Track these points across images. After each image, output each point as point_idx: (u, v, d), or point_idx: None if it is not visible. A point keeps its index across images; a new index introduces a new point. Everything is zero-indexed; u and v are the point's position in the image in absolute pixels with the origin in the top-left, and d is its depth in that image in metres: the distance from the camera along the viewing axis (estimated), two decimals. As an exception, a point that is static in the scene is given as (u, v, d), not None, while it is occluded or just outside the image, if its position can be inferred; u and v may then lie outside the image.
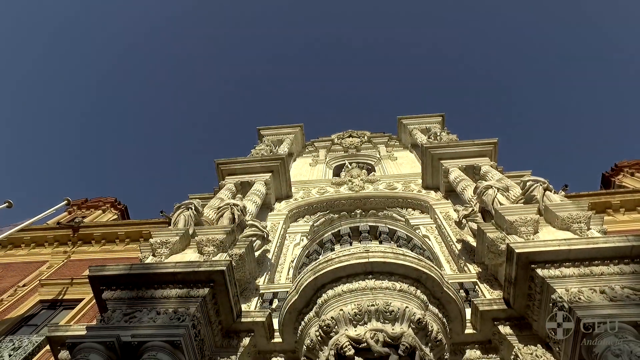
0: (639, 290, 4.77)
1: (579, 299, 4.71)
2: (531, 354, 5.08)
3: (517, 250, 5.31)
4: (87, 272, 5.97)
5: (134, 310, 5.37)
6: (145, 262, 6.73)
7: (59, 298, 10.46)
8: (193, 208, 8.08)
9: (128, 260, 10.82)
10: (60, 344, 5.51)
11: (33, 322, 9.87)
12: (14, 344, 8.28)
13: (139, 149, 70.02)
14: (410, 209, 11.04)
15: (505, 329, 5.43)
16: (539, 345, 5.18)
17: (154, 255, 6.89)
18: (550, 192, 7.30)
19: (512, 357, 5.20)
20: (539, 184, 7.35)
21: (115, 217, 19.84)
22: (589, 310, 4.50)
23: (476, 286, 6.78)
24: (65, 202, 13.83)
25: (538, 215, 6.69)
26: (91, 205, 20.44)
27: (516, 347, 5.19)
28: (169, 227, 7.72)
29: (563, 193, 7.72)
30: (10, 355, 7.95)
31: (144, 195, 67.28)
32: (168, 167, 70.66)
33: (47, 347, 7.33)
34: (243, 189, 11.29)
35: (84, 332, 5.08)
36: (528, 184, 7.47)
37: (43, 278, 11.38)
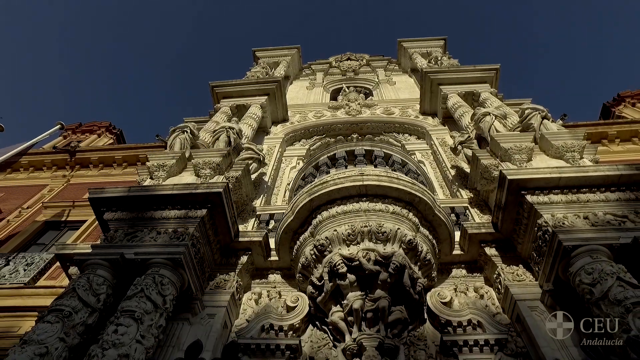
0: (620, 216, 4.95)
1: (563, 224, 4.89)
2: (512, 273, 5.38)
3: (509, 177, 5.40)
4: (87, 195, 6.09)
5: (135, 230, 5.56)
6: (143, 184, 6.84)
7: (63, 219, 10.81)
8: (189, 131, 8.02)
9: (126, 183, 11.01)
10: (68, 261, 5.77)
11: (41, 242, 10.32)
12: (26, 260, 8.73)
13: (132, 72, 67.67)
14: (406, 135, 11.02)
15: (490, 251, 5.69)
16: (520, 265, 5.47)
17: (151, 178, 6.98)
18: (548, 120, 7.23)
19: (495, 275, 5.51)
20: (537, 112, 7.26)
21: (111, 141, 19.75)
22: (570, 234, 4.69)
23: (467, 211, 7.00)
24: (58, 126, 13.65)
25: (533, 144, 6.71)
26: (86, 130, 20.23)
27: (499, 266, 5.48)
28: (165, 151, 7.72)
29: (561, 122, 7.67)
30: (25, 270, 8.42)
31: (138, 120, 66.45)
32: (162, 91, 68.92)
33: (57, 263, 7.73)
34: (239, 112, 11.14)
35: (89, 250, 5.31)
36: (526, 112, 7.38)
37: (45, 201, 11.64)
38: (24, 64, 59.38)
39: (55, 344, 4.01)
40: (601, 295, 4.03)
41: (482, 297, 5.49)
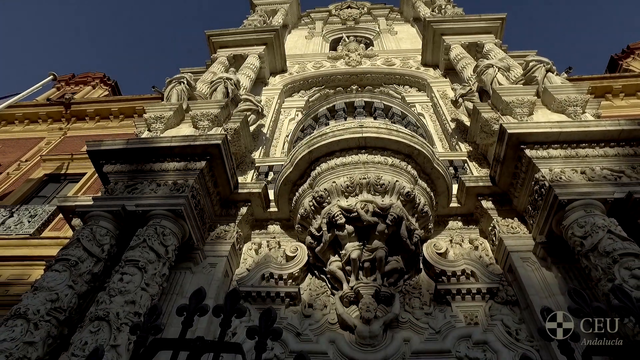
0: (617, 171, 4.98)
1: (560, 178, 4.93)
2: (507, 225, 5.49)
3: (509, 131, 5.37)
4: (85, 148, 6.07)
5: (135, 182, 5.60)
6: (141, 137, 6.81)
7: (63, 172, 10.83)
8: (185, 82, 7.86)
9: (124, 136, 10.92)
10: (71, 213, 5.86)
11: (42, 194, 10.39)
12: (30, 212, 8.84)
13: (126, 21, 64.98)
14: (407, 86, 10.82)
15: (487, 204, 5.78)
16: (515, 218, 5.57)
17: (149, 130, 6.93)
18: (553, 74, 7.07)
19: (490, 228, 5.63)
20: (541, 65, 7.08)
21: (107, 93, 19.35)
22: (566, 189, 4.75)
23: (465, 164, 7.02)
24: (51, 77, 13.31)
25: (535, 97, 6.61)
26: (79, 81, 19.77)
27: (495, 219, 5.59)
28: (162, 102, 7.61)
29: (565, 75, 7.51)
30: (29, 222, 8.56)
31: (133, 72, 64.79)
32: (157, 41, 66.59)
33: (60, 215, 7.85)
34: (236, 62, 10.86)
35: (91, 203, 5.38)
36: (531, 64, 7.19)
37: (44, 154, 11.61)
38: (12, 13, 56.91)
39: (65, 291, 4.19)
40: (591, 247, 4.15)
41: (476, 248, 5.65)
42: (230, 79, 8.16)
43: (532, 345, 4.45)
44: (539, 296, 4.60)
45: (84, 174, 10.42)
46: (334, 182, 5.45)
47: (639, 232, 4.52)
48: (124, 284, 4.22)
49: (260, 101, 8.51)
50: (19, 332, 3.74)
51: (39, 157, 11.43)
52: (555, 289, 4.60)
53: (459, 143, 7.61)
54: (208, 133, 6.50)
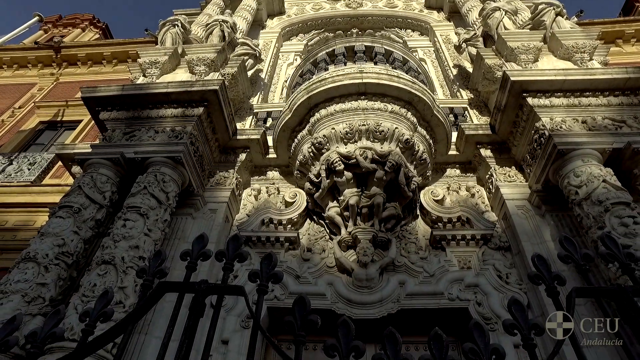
0: (618, 121, 4.94)
1: (560, 127, 4.89)
2: (505, 174, 5.55)
3: (512, 78, 5.25)
4: (80, 95, 5.95)
5: (132, 129, 5.56)
6: (137, 82, 6.65)
7: (58, 119, 10.68)
8: (179, 25, 7.54)
9: (118, 81, 10.64)
10: (70, 160, 5.87)
11: (40, 142, 10.31)
12: (29, 160, 8.84)
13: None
14: (409, 30, 10.41)
15: (486, 152, 5.78)
16: (513, 167, 5.61)
17: (144, 76, 6.77)
18: (563, 17, 6.77)
19: (487, 176, 5.68)
20: (551, 8, 6.75)
21: (97, 37, 18.58)
22: (565, 138, 4.73)
23: (466, 112, 6.94)
24: (36, 17, 12.74)
25: (542, 43, 6.38)
26: (68, 23, 18.89)
27: (493, 167, 5.63)
28: (157, 47, 7.35)
29: (576, 19, 7.20)
30: (29, 169, 8.58)
31: (123, 14, 61.77)
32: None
33: (60, 163, 7.86)
34: (232, 3, 10.32)
35: (89, 150, 5.37)
36: (540, 7, 6.85)
37: (37, 100, 11.37)
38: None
39: (70, 237, 4.32)
40: (585, 196, 4.22)
41: (473, 195, 5.74)
42: (227, 22, 7.85)
43: (521, 288, 4.65)
44: (530, 242, 4.75)
45: (80, 120, 10.29)
46: (333, 128, 5.42)
47: (634, 182, 4.59)
48: (127, 229, 4.33)
49: (258, 45, 8.23)
50: (31, 274, 3.92)
51: (33, 104, 11.21)
52: (547, 236, 4.74)
53: (461, 90, 7.47)
54: (205, 79, 6.36)
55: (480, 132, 5.82)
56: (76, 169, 5.74)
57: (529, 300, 4.47)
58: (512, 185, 5.39)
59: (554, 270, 1.47)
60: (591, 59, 6.12)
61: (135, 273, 3.91)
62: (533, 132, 5.15)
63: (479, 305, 4.55)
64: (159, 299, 1.49)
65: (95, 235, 4.71)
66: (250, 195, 6.05)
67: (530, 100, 5.22)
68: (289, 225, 5.52)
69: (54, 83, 12.21)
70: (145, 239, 4.35)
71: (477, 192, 5.81)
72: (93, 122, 6.74)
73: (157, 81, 6.44)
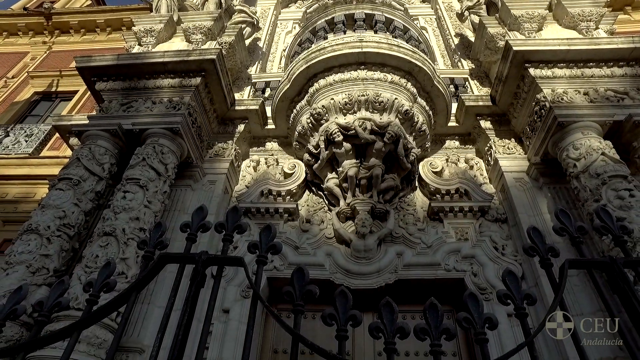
0: (621, 92, 4.87)
1: (562, 99, 4.83)
2: (504, 146, 5.53)
3: (514, 48, 5.14)
4: (74, 64, 5.83)
5: (129, 100, 5.50)
6: (132, 52, 6.51)
7: (53, 90, 10.50)
8: (174, -9, 7.30)
9: (113, 50, 10.43)
10: (67, 132, 5.82)
11: (35, 113, 10.18)
12: (25, 132, 8.76)
13: None
14: (411, -3, 10.12)
15: (485, 124, 5.74)
16: (512, 139, 5.59)
17: (139, 44, 6.62)
18: (571, -18, 6.57)
19: (487, 148, 5.67)
20: (558, -26, 6.54)
21: (89, 2, 18.01)
22: (566, 110, 4.68)
23: (466, 82, 6.84)
24: (26, -19, 12.26)
25: (547, 11, 6.21)
26: (58, -13, 18.25)
27: (492, 139, 5.60)
28: (152, 14, 7.15)
29: (585, -16, 6.96)
30: (26, 141, 8.52)
31: (116, -23, 59.54)
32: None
33: (57, 134, 7.80)
34: (228, -32, 9.97)
35: (86, 122, 5.32)
36: (546, -28, 6.64)
37: (30, 70, 11.15)
38: None
39: (71, 209, 4.36)
40: (583, 169, 4.23)
41: (471, 167, 5.75)
42: (223, -13, 7.59)
43: (516, 259, 4.74)
44: (527, 214, 4.80)
45: (76, 91, 10.13)
46: (332, 99, 5.36)
47: (632, 155, 4.59)
48: (127, 201, 4.36)
49: (255, 12, 8.02)
50: (34, 245, 3.99)
51: (26, 74, 11.01)
52: (544, 208, 4.78)
53: (462, 60, 7.34)
54: (202, 48, 6.22)
55: (481, 103, 5.76)
56: (74, 140, 5.71)
57: (524, 271, 4.56)
58: (511, 158, 5.39)
59: (549, 243, 1.49)
60: (597, 28, 5.98)
61: (136, 244, 3.99)
62: (534, 103, 5.10)
63: (474, 276, 4.65)
64: (160, 270, 1.52)
65: (95, 207, 4.75)
66: (249, 167, 6.05)
67: (532, 71, 5.14)
68: (288, 197, 5.55)
69: (47, 52, 11.94)
70: (145, 211, 4.39)
71: (476, 164, 5.81)
72: (89, 92, 6.64)
73: (153, 50, 6.31)
